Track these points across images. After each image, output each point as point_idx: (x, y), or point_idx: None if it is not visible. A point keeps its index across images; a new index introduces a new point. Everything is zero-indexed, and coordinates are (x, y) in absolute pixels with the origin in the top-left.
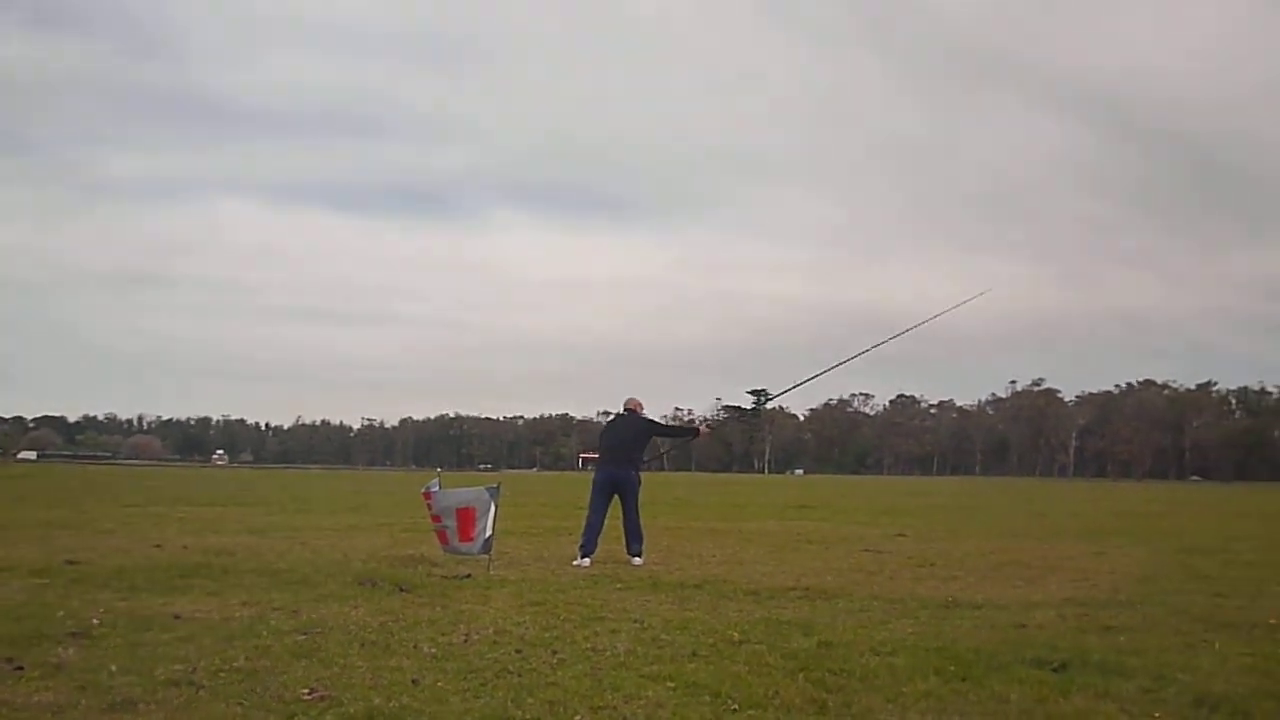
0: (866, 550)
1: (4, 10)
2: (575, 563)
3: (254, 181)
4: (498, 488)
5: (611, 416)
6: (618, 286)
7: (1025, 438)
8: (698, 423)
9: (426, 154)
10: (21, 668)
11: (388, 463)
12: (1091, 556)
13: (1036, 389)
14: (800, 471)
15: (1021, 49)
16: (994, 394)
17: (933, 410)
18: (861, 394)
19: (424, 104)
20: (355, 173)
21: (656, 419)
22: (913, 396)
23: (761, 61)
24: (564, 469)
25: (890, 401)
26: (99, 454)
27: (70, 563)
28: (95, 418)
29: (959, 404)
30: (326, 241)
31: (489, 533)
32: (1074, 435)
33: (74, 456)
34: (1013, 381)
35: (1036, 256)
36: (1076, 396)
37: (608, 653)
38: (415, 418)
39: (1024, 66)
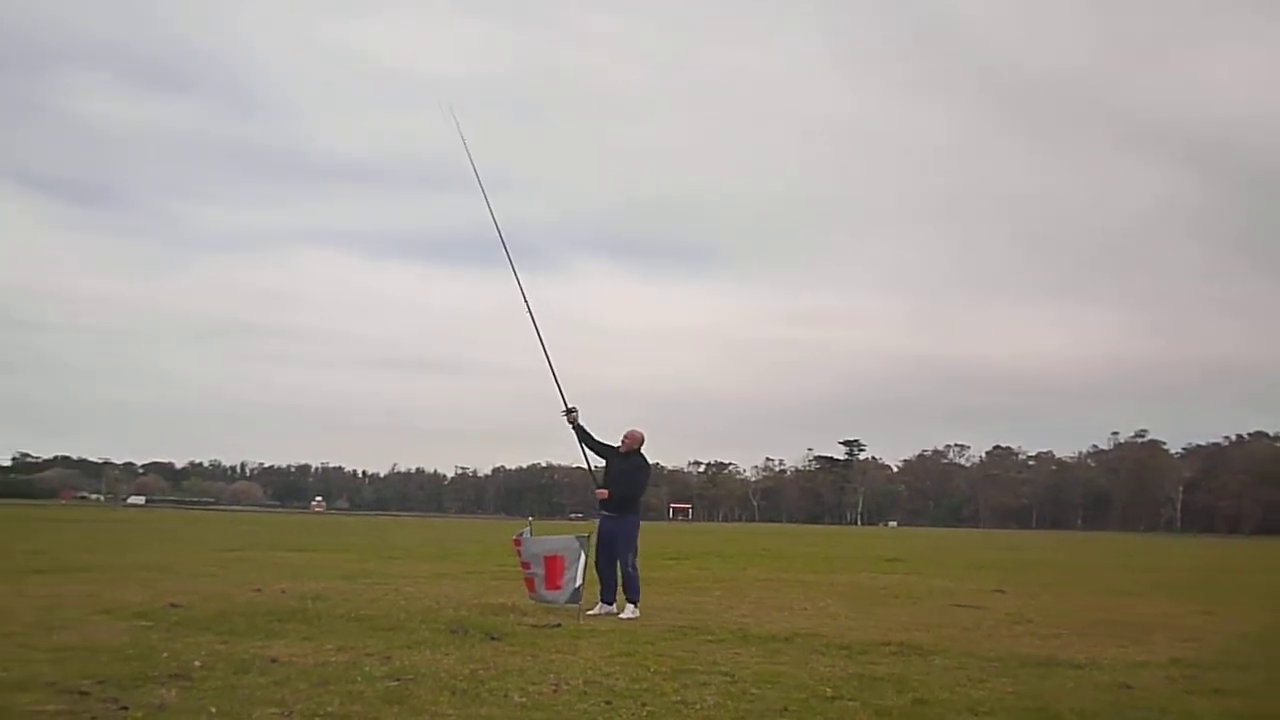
0: (962, 606)
1: (103, 70)
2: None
3: (348, 234)
4: (588, 537)
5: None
6: (704, 336)
7: (1128, 491)
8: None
9: (511, 206)
10: (126, 708)
11: (479, 511)
12: (1199, 615)
13: (1140, 440)
14: (893, 524)
15: (1121, 94)
16: (1095, 445)
17: (1030, 462)
18: (956, 445)
19: (507, 156)
20: (445, 225)
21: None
22: (1009, 448)
23: (848, 110)
24: (653, 519)
25: (986, 453)
26: (203, 500)
27: (173, 605)
28: (200, 464)
29: (1058, 455)
30: (419, 292)
31: (578, 582)
32: (1180, 488)
33: (179, 502)
34: (1115, 433)
35: (1138, 304)
36: (1182, 449)
37: (697, 705)
38: (508, 466)
39: (1123, 111)
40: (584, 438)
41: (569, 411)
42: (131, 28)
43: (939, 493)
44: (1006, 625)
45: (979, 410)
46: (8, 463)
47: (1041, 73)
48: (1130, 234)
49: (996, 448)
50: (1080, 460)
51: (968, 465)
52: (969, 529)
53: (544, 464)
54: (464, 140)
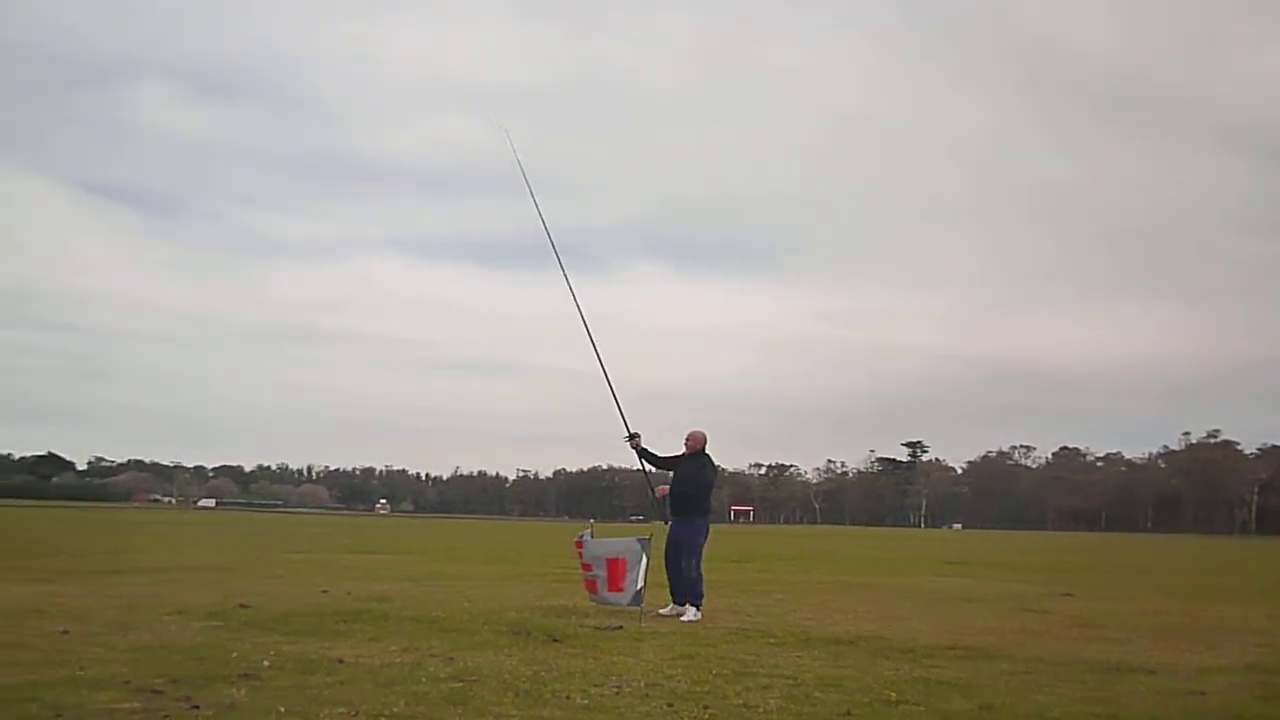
0: (1028, 609)
1: (164, 82)
2: (676, 613)
3: (402, 239)
4: (649, 540)
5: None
6: (761, 336)
7: (1200, 493)
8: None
9: (561, 209)
10: (197, 706)
11: (540, 513)
12: (1275, 619)
13: (1212, 441)
14: (957, 526)
15: (1167, 80)
16: (1166, 446)
17: (1099, 463)
18: (1022, 446)
19: (556, 160)
20: (499, 229)
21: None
22: (1076, 449)
23: (894, 107)
24: (714, 521)
25: (1053, 454)
26: (271, 502)
27: (243, 606)
28: (268, 467)
29: (1127, 456)
30: (479, 296)
31: (640, 585)
32: (1254, 490)
33: (248, 505)
34: (1186, 433)
35: (1213, 300)
36: (1257, 449)
37: (759, 709)
38: (569, 469)
39: (1170, 98)
40: (649, 459)
41: (632, 437)
42: (200, 41)
43: (1004, 494)
44: (1074, 629)
45: (1044, 411)
46: (83, 466)
47: (1081, 62)
48: (1185, 226)
49: (1063, 449)
50: (1150, 461)
51: (1033, 467)
52: (1035, 531)
53: (605, 466)
54: (520, 164)
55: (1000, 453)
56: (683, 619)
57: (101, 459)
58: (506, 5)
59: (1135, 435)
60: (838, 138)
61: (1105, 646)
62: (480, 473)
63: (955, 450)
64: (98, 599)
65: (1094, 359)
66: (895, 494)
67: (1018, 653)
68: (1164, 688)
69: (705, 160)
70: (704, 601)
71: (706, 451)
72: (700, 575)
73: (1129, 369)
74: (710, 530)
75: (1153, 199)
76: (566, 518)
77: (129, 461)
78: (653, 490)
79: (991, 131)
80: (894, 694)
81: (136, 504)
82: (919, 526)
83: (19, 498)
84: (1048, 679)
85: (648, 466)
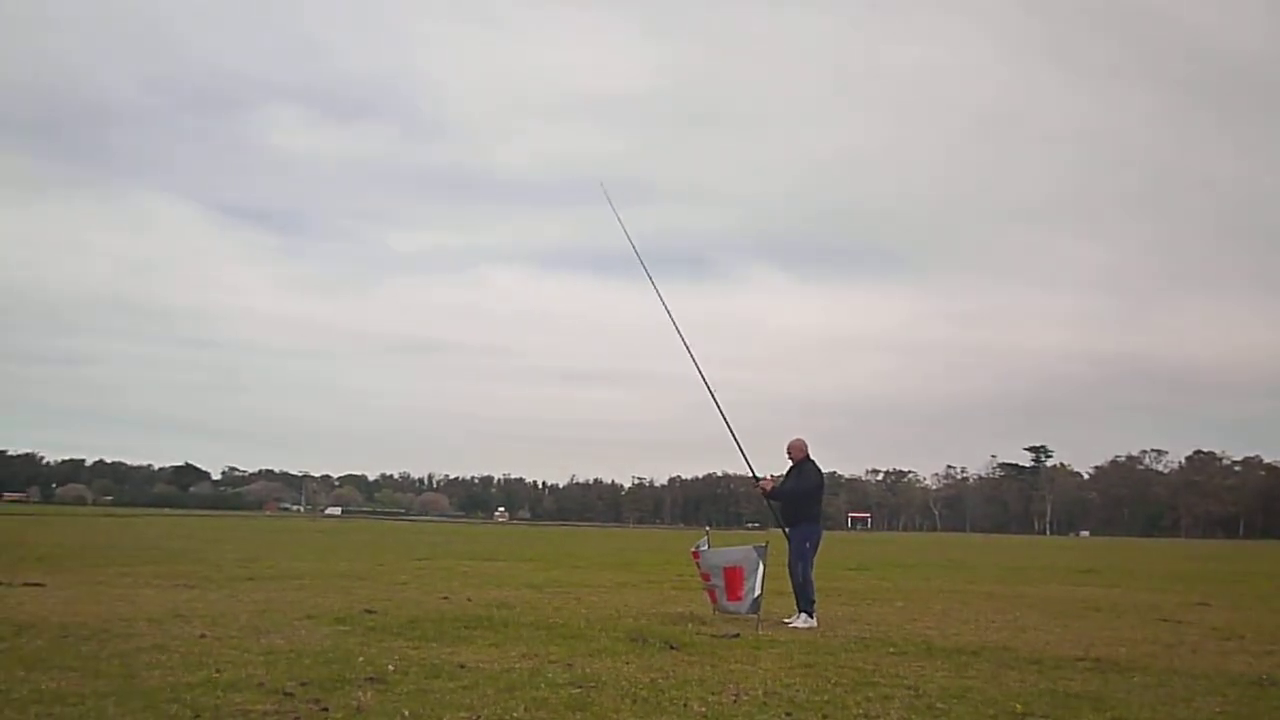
0: (1163, 619)
1: (296, 105)
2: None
3: (525, 251)
4: (765, 547)
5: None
6: (881, 341)
7: None
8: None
9: (683, 216)
10: (327, 709)
11: (657, 521)
12: None
13: None
14: (1085, 533)
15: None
16: None
17: (1236, 467)
18: (1153, 450)
19: (679, 167)
20: (615, 238)
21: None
22: (1212, 453)
23: (1025, 104)
24: (831, 528)
25: (1186, 458)
26: (394, 510)
27: (369, 612)
28: (391, 476)
29: (1267, 460)
30: (594, 305)
31: (757, 592)
32: None
33: (372, 513)
34: None
35: None
36: None
37: (880, 719)
38: (684, 476)
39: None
40: (778, 495)
41: (758, 482)
42: (315, 62)
43: (1135, 500)
44: (1213, 641)
45: (1175, 413)
46: (218, 476)
47: (1240, 54)
48: None
49: (1197, 453)
50: None
51: (1165, 471)
52: (1169, 539)
53: (720, 474)
54: (620, 221)
55: (1130, 457)
56: (793, 625)
57: (235, 469)
58: (629, 15)
59: (1275, 438)
60: (958, 138)
61: (1247, 659)
62: (596, 480)
63: (1081, 455)
64: (234, 604)
65: (1228, 359)
66: (1019, 500)
67: (1152, 665)
68: None
69: (827, 163)
70: (816, 608)
71: (810, 458)
72: (809, 581)
73: (1265, 369)
74: (823, 536)
75: None
76: (682, 525)
77: (260, 471)
78: (760, 487)
79: (1117, 130)
80: (1021, 706)
81: (268, 512)
82: (1044, 533)
83: (159, 507)
84: (1185, 693)
85: (785, 499)
